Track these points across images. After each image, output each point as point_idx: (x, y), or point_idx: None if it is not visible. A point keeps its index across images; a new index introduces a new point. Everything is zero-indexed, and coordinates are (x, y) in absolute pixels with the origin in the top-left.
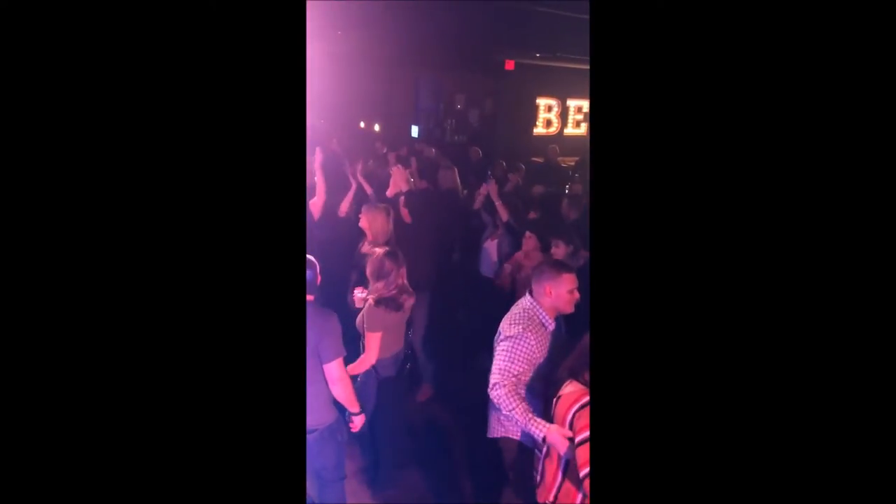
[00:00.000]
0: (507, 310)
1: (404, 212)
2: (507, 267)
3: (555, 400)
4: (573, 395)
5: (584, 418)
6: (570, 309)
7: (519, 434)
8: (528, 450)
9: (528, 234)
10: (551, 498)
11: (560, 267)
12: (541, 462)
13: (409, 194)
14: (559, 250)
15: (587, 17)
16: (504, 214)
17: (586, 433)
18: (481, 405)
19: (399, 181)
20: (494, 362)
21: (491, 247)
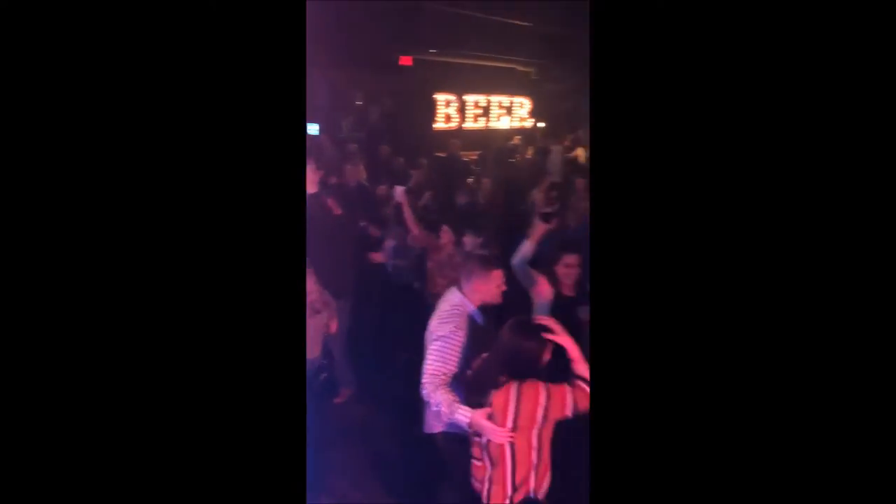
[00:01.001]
0: (418, 304)
1: (332, 203)
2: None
3: (488, 395)
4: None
5: (528, 402)
6: (498, 300)
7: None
8: (466, 441)
9: (444, 227)
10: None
11: (489, 263)
12: (486, 462)
13: (327, 190)
14: (470, 241)
15: (481, 14)
16: (410, 218)
17: (539, 410)
18: (412, 403)
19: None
20: (427, 362)
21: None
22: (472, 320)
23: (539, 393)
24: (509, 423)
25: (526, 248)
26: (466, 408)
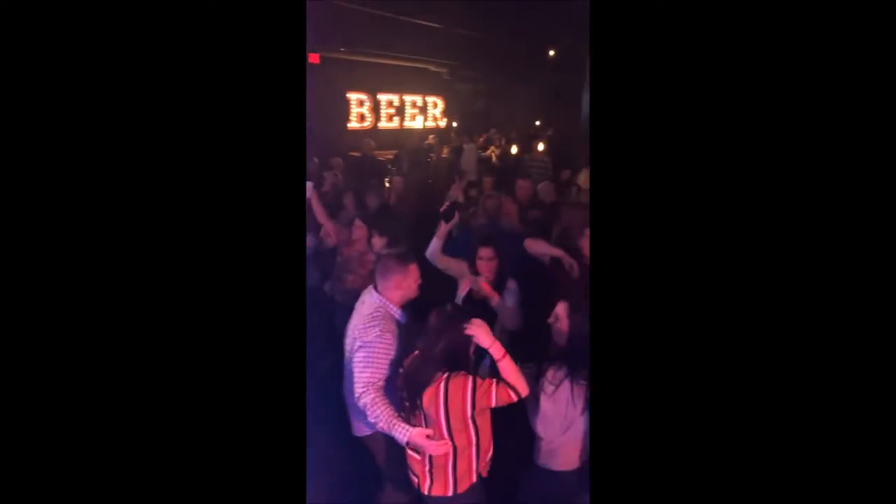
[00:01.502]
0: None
1: None
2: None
3: (421, 395)
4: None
5: (457, 392)
6: (417, 294)
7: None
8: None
9: (357, 222)
10: (451, 491)
11: (404, 259)
12: (426, 459)
13: None
14: (378, 242)
15: (391, 14)
16: (320, 214)
17: (468, 393)
18: (336, 407)
19: None
20: (356, 371)
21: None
22: (394, 321)
23: (466, 384)
24: (442, 420)
25: (433, 244)
26: (404, 426)
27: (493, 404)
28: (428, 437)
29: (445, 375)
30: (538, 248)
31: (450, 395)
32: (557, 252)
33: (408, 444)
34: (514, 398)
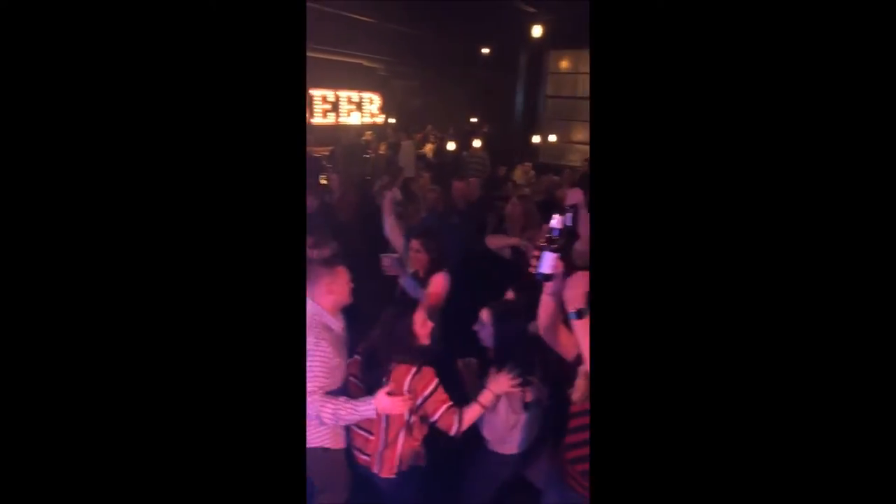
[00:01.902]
0: None
1: None
2: None
3: (384, 378)
4: (401, 368)
5: (421, 381)
6: (350, 299)
7: (322, 440)
8: (335, 452)
9: None
10: (396, 466)
11: (332, 262)
12: (382, 436)
13: None
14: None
15: (323, 7)
16: None
17: (426, 392)
18: None
19: None
20: None
21: None
22: (329, 329)
23: (430, 384)
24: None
25: (385, 221)
26: (364, 400)
27: (433, 419)
28: (388, 393)
29: (415, 368)
30: (497, 242)
31: (412, 384)
32: (514, 241)
33: (378, 412)
34: (452, 431)
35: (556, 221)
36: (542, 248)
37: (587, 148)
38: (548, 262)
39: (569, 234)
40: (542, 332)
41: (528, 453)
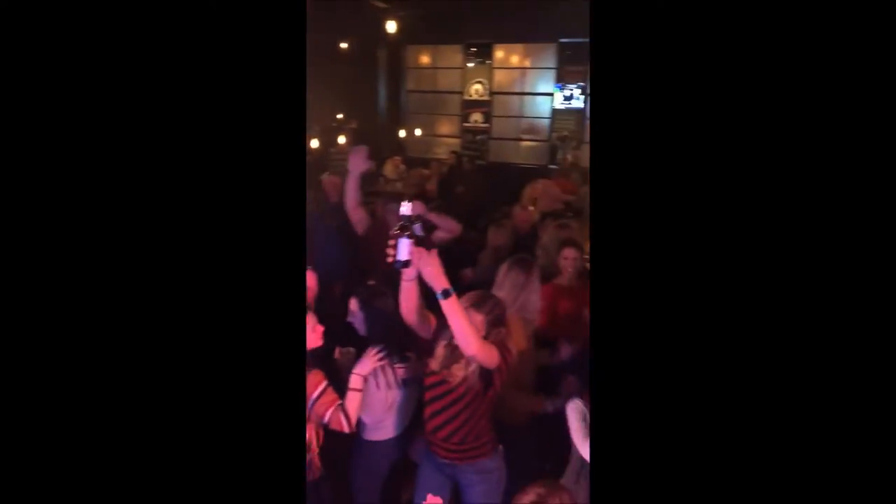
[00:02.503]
0: None
1: None
2: None
3: None
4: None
5: (309, 385)
6: None
7: None
8: None
9: None
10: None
11: None
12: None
13: None
14: None
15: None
16: None
17: (314, 395)
18: None
19: None
20: None
21: None
22: None
23: (318, 384)
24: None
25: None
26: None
27: (323, 420)
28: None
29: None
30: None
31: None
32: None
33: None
34: (346, 429)
35: (405, 208)
36: (396, 236)
37: (453, 141)
38: (404, 249)
39: (419, 221)
40: (404, 316)
41: (407, 433)
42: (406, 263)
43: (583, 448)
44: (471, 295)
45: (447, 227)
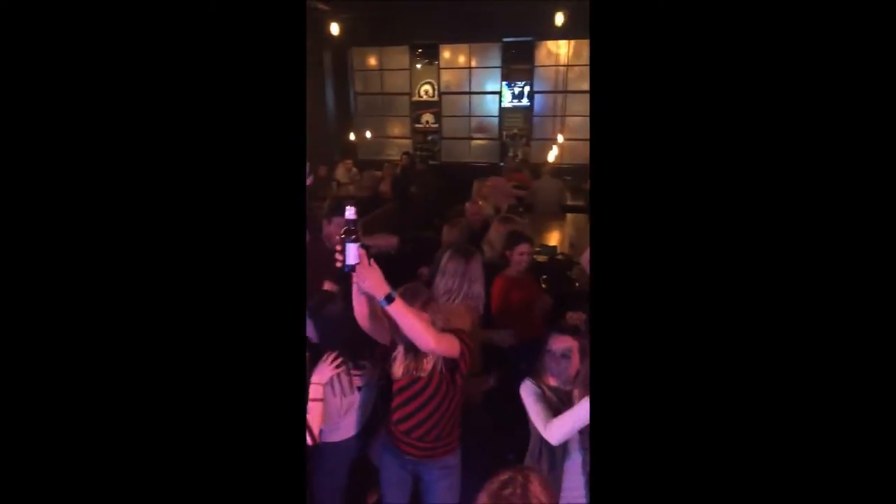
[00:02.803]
0: None
1: None
2: None
3: None
4: None
5: None
6: None
7: None
8: None
9: None
10: None
11: None
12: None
13: None
14: None
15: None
16: None
17: None
18: None
19: None
20: None
21: None
22: None
23: None
24: None
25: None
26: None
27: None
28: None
29: None
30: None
31: None
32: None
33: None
34: (309, 441)
35: (350, 213)
36: (343, 241)
37: (403, 142)
38: (352, 254)
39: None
40: (359, 322)
41: (364, 433)
42: (354, 268)
43: (542, 429)
44: (407, 288)
45: (385, 244)
